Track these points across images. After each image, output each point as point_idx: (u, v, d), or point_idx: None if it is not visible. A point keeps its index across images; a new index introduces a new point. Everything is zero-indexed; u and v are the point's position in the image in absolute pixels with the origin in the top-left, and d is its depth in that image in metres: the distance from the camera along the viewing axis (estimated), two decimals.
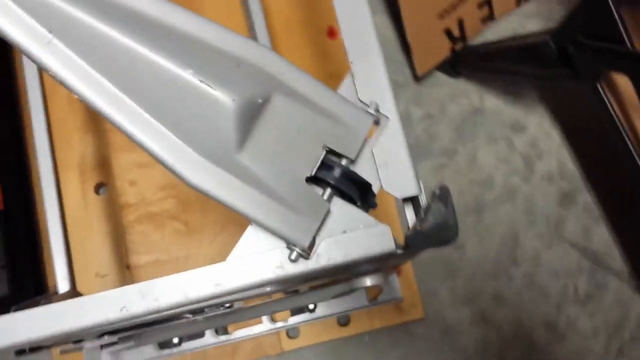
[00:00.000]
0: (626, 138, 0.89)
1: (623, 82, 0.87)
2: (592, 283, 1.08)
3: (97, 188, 1.00)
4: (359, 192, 0.42)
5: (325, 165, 0.41)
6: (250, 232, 0.41)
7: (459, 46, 1.10)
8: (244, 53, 0.39)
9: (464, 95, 1.12)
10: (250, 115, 0.39)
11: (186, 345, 0.94)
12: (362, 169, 0.43)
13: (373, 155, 0.43)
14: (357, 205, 0.42)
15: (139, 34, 0.38)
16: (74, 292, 0.66)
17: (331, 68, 1.05)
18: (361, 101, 0.44)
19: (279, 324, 0.96)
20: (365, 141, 0.43)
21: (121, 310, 0.39)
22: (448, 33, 1.08)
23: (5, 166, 0.90)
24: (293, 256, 0.40)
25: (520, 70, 1.03)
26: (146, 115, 0.37)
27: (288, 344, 0.98)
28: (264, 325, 0.95)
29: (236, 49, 0.39)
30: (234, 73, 0.39)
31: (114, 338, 0.67)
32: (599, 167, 1.10)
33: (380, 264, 0.45)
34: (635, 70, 0.82)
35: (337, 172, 0.41)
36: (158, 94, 0.37)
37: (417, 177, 0.43)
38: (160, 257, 0.98)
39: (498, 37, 1.14)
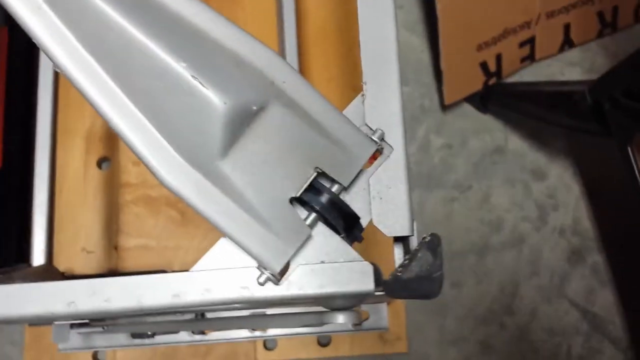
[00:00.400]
0: None
1: None
2: (587, 347, 1.04)
3: (100, 162, 0.98)
4: (345, 223, 0.38)
5: (313, 188, 0.38)
6: (222, 244, 0.38)
7: (492, 81, 1.06)
8: (247, 53, 0.36)
9: (488, 131, 1.08)
10: (241, 122, 0.36)
11: (159, 338, 0.92)
12: (354, 199, 0.40)
13: (369, 186, 0.40)
14: (341, 236, 0.39)
15: (136, 15, 0.35)
16: (47, 268, 0.64)
17: (357, 81, 1.02)
18: (367, 126, 0.41)
19: (257, 333, 0.92)
20: (362, 169, 0.40)
21: (69, 305, 0.36)
22: (484, 66, 1.04)
23: (12, 127, 0.87)
24: (262, 279, 0.37)
25: (551, 118, 0.99)
26: (129, 103, 0.34)
27: (263, 355, 0.95)
28: (241, 332, 0.92)
29: (239, 48, 0.36)
30: (231, 73, 0.36)
31: (86, 320, 0.64)
32: (615, 229, 1.06)
33: (357, 301, 0.42)
34: None
35: (324, 198, 0.38)
36: (145, 83, 0.34)
37: (412, 217, 0.40)
38: (149, 243, 0.95)
39: (534, 80, 1.11)
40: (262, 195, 0.37)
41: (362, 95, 0.41)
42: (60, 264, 0.90)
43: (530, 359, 1.02)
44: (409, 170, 0.40)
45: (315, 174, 0.38)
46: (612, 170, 1.01)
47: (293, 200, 0.38)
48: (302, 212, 0.39)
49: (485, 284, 1.03)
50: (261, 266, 0.38)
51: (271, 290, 0.38)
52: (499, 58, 1.05)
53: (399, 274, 0.35)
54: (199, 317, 0.48)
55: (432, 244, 0.36)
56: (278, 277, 0.38)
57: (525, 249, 1.05)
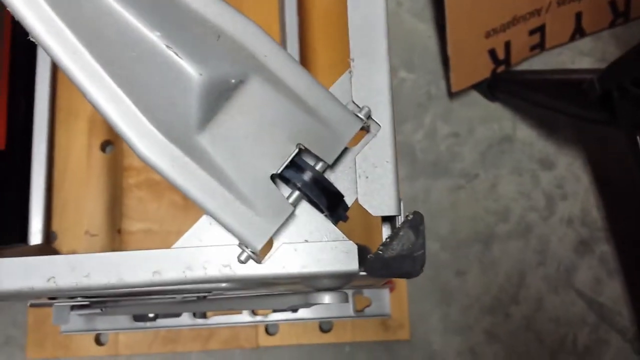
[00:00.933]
0: None
1: None
2: (593, 337, 1.02)
3: (104, 146, 0.98)
4: (328, 202, 0.38)
5: (295, 165, 0.37)
6: (203, 222, 0.38)
7: (500, 69, 1.05)
8: (227, 24, 0.35)
9: (496, 120, 1.07)
10: (219, 95, 0.35)
11: (161, 322, 0.92)
12: (340, 177, 0.39)
13: (355, 164, 0.39)
14: (325, 215, 0.38)
15: None
16: (43, 247, 0.64)
17: None
18: (354, 103, 0.40)
19: (258, 318, 0.92)
20: (348, 147, 0.39)
21: (48, 280, 0.36)
22: (492, 53, 1.03)
23: (15, 108, 0.87)
24: (243, 257, 0.37)
25: (559, 106, 0.97)
26: (103, 74, 0.33)
27: (265, 340, 0.94)
28: (243, 317, 0.92)
29: (218, 18, 0.35)
30: (208, 44, 0.35)
31: (86, 301, 0.64)
32: (624, 219, 1.04)
33: (343, 281, 0.41)
34: None
35: (306, 175, 0.37)
36: (119, 53, 0.34)
37: (399, 197, 0.39)
38: (153, 227, 0.95)
39: (545, 68, 1.09)
40: (243, 171, 0.36)
41: (350, 72, 0.40)
42: (64, 247, 0.90)
43: (535, 349, 1.01)
44: (396, 148, 0.39)
45: (297, 150, 0.37)
46: (620, 160, 0.99)
47: (276, 178, 0.38)
48: (286, 190, 0.39)
49: (491, 273, 1.02)
50: (242, 244, 0.37)
51: (253, 269, 0.37)
52: (507, 45, 1.03)
53: (380, 253, 0.35)
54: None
55: (415, 222, 0.35)
56: (260, 256, 0.37)
57: (532, 238, 1.04)
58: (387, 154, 0.39)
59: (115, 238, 0.95)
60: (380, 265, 0.35)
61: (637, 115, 0.82)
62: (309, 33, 1.00)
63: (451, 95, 1.06)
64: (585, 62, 1.11)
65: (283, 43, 0.91)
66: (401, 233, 0.35)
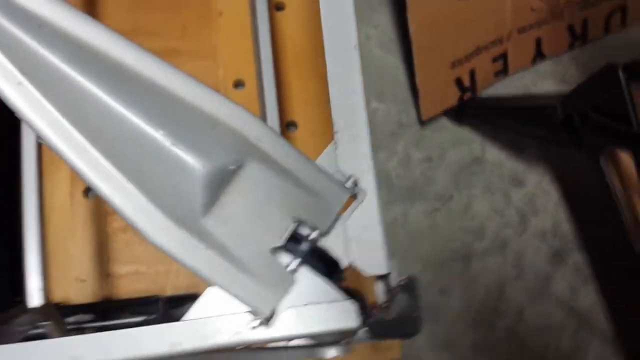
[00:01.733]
0: (621, 211, 0.88)
1: (626, 157, 0.86)
2: (574, 342, 1.07)
3: (87, 191, 1.00)
4: (325, 268, 0.42)
5: (293, 238, 0.41)
6: (211, 293, 0.41)
7: (467, 96, 1.10)
8: (222, 114, 0.39)
9: (466, 143, 1.12)
10: (220, 182, 0.39)
11: None
12: (332, 242, 0.43)
13: (345, 229, 0.43)
14: (323, 278, 0.42)
15: (113, 86, 0.38)
16: (47, 308, 0.66)
17: None
18: (341, 172, 0.44)
19: None
20: (339, 214, 0.43)
21: None
22: (458, 82, 1.08)
23: None
24: (252, 324, 0.40)
25: (525, 130, 1.02)
26: (112, 168, 0.37)
27: None
28: None
29: (215, 110, 0.39)
30: (208, 136, 0.39)
31: None
32: (593, 230, 1.10)
33: (345, 336, 0.45)
34: (638, 150, 0.81)
35: (304, 246, 0.41)
36: (126, 150, 0.37)
37: (389, 256, 0.43)
38: (141, 269, 0.98)
39: (509, 92, 1.14)
40: (247, 247, 0.40)
41: (334, 143, 0.44)
42: (56, 294, 0.92)
43: (520, 358, 1.06)
44: (382, 212, 0.43)
45: (295, 224, 0.41)
46: (586, 175, 1.04)
47: (276, 248, 0.42)
48: (287, 257, 0.42)
49: (472, 289, 1.07)
50: (250, 311, 0.41)
51: (262, 333, 0.41)
52: (472, 74, 1.08)
53: (380, 318, 0.39)
54: None
55: (409, 286, 0.39)
56: (267, 320, 0.41)
57: (509, 253, 1.09)
58: (374, 218, 0.44)
59: (106, 282, 0.97)
60: (382, 329, 0.39)
61: (599, 139, 0.86)
62: (281, 70, 1.04)
63: (422, 122, 1.11)
64: (546, 84, 1.16)
65: (259, 79, 0.94)
66: (397, 298, 0.39)
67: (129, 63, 0.37)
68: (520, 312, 1.07)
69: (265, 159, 0.40)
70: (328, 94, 1.08)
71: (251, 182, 0.40)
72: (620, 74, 0.81)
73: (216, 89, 0.91)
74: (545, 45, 1.13)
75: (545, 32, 1.11)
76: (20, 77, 0.37)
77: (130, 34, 0.91)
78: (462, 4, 1.01)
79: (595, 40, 1.17)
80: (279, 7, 1.01)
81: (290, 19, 1.06)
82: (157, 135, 0.38)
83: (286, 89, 1.05)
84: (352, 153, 0.44)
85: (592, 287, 1.09)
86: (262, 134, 0.41)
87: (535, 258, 1.09)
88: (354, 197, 0.44)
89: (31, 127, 0.38)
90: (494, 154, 1.12)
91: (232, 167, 0.39)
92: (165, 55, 0.90)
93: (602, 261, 1.09)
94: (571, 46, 1.16)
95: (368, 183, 0.44)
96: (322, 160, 0.44)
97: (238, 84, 0.89)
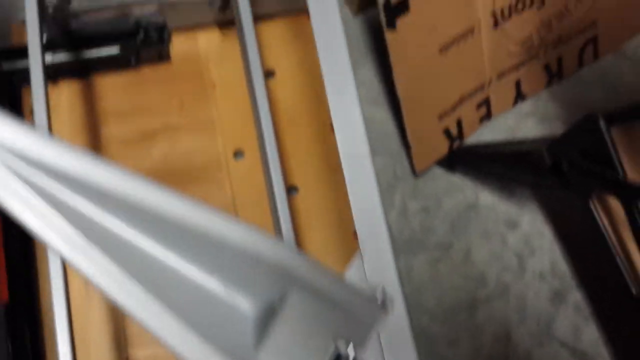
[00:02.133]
0: (614, 252, 0.90)
1: (615, 201, 0.89)
2: None
3: None
4: None
5: (337, 357, 0.43)
6: None
7: (456, 144, 1.13)
8: (264, 251, 0.41)
9: (459, 190, 1.15)
10: (268, 316, 0.41)
11: None
12: (370, 350, 0.46)
13: (379, 341, 0.45)
14: None
15: (171, 243, 0.40)
16: None
17: (332, 160, 1.07)
18: (369, 285, 0.46)
19: None
20: (373, 327, 0.45)
21: None
22: (447, 132, 1.11)
23: (13, 256, 0.90)
24: None
25: (514, 175, 1.05)
26: (175, 321, 0.39)
27: None
28: None
29: (259, 249, 0.41)
30: (254, 273, 0.41)
31: None
32: (589, 268, 1.13)
33: None
34: (624, 196, 0.84)
35: None
36: (185, 301, 0.39)
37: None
38: (159, 352, 0.99)
39: (494, 135, 1.17)
40: None
41: (360, 257, 0.47)
42: None
43: None
44: (412, 323, 0.46)
45: (336, 344, 0.43)
46: (578, 218, 1.07)
47: None
48: None
49: (480, 337, 1.09)
50: None
51: None
52: (459, 122, 1.12)
53: None
54: None
55: None
56: None
57: (511, 298, 1.11)
58: (404, 323, 0.46)
59: None
60: None
61: (588, 183, 0.89)
62: (279, 135, 1.06)
63: (415, 173, 1.14)
64: (529, 123, 1.20)
65: (262, 146, 0.96)
66: None
67: (190, 223, 0.39)
68: (528, 356, 1.09)
69: (306, 286, 0.43)
70: (324, 155, 1.10)
71: (295, 310, 0.42)
72: (601, 123, 0.84)
73: (217, 160, 0.93)
74: (524, 86, 1.17)
75: (523, 74, 1.15)
76: (80, 241, 0.38)
77: (130, 114, 0.93)
78: (442, 56, 1.04)
79: (570, 76, 1.22)
80: (269, 74, 1.03)
81: (281, 85, 1.09)
82: (211, 280, 0.41)
83: (284, 154, 1.07)
84: (378, 265, 0.46)
85: (594, 325, 1.11)
86: (299, 263, 0.43)
87: (537, 300, 1.12)
88: (383, 306, 0.46)
89: (99, 287, 0.40)
90: (487, 198, 1.15)
91: (277, 300, 0.42)
92: (166, 131, 0.92)
93: (601, 297, 1.12)
94: (549, 83, 1.20)
95: (395, 290, 0.46)
96: (352, 273, 0.47)
97: (237, 154, 0.92)
